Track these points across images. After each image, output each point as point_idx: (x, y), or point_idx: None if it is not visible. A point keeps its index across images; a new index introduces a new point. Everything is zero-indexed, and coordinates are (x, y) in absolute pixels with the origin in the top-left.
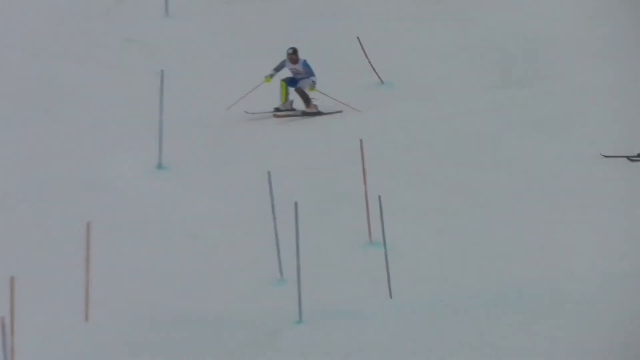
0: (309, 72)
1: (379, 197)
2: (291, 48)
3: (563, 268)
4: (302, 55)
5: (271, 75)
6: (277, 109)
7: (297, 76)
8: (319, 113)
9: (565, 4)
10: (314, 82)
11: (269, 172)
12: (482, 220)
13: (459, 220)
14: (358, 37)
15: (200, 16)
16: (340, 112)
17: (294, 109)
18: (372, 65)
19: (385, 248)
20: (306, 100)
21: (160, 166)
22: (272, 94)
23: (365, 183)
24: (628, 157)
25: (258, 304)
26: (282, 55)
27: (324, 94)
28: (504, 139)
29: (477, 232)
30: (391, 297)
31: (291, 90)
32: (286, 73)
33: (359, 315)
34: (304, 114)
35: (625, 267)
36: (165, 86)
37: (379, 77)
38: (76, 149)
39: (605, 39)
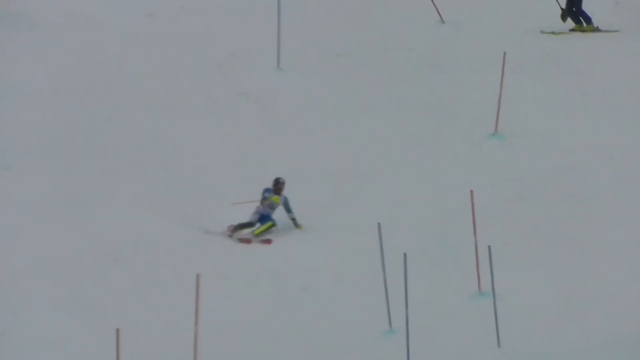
0: (286, 208)
1: (489, 247)
2: (282, 178)
3: None
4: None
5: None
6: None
7: (268, 211)
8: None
9: None
10: (294, 220)
11: (379, 224)
12: (591, 271)
13: (568, 271)
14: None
15: (312, 69)
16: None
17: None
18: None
19: (494, 297)
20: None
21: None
22: None
23: (475, 234)
24: None
25: (369, 355)
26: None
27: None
28: (619, 191)
29: (587, 283)
30: (499, 347)
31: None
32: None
33: None
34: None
35: None
36: (274, 139)
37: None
38: (190, 203)
39: None
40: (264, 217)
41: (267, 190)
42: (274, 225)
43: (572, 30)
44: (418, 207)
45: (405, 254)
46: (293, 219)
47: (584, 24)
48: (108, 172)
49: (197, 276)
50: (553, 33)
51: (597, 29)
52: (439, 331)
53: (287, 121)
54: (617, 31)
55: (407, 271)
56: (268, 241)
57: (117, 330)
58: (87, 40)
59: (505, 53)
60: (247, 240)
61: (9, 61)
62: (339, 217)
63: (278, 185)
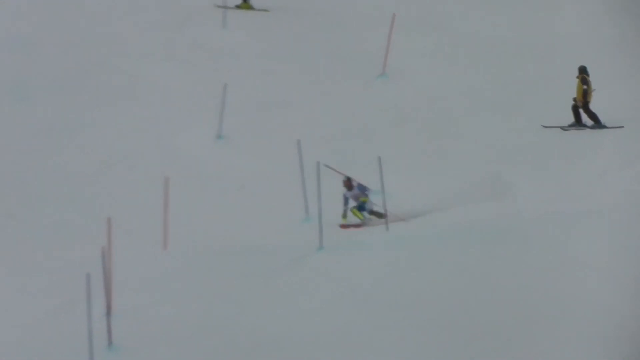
0: (365, 192)
1: (379, 157)
2: (346, 177)
3: None
4: None
5: (344, 213)
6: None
7: (357, 201)
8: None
9: None
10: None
11: (298, 141)
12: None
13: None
14: None
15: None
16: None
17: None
18: None
19: (383, 195)
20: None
21: (219, 137)
22: None
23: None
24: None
25: (290, 236)
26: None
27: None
28: (470, 116)
29: (449, 182)
30: (387, 230)
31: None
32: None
33: (363, 244)
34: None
35: None
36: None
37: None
38: (156, 127)
39: None
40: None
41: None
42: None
43: None
44: (327, 126)
45: (318, 162)
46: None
47: None
48: None
49: (166, 179)
50: None
51: None
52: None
53: (229, 67)
54: None
55: (320, 176)
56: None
57: (109, 219)
58: None
59: (394, 14)
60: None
61: None
62: (269, 136)
63: (345, 183)
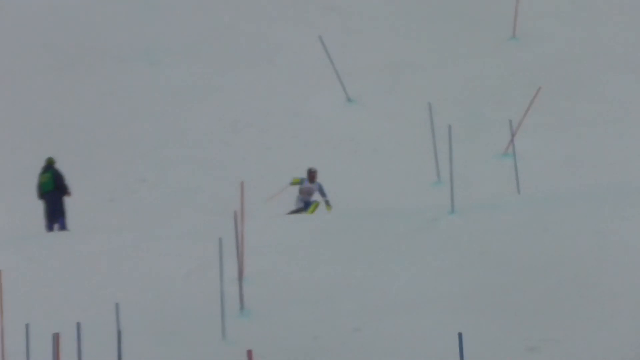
0: (320, 193)
1: (510, 121)
2: (313, 167)
3: None
4: None
5: (296, 179)
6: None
7: (306, 197)
8: None
9: None
10: (327, 202)
11: (429, 104)
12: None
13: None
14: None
15: None
16: None
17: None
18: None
19: (515, 158)
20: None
21: (350, 100)
22: None
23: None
24: None
25: (421, 199)
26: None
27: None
28: None
29: (584, 143)
30: (519, 193)
31: None
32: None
33: (495, 207)
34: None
35: None
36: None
37: None
38: (287, 90)
39: None
40: (307, 204)
41: (303, 179)
42: (318, 204)
43: None
44: (457, 89)
45: (449, 125)
46: (326, 201)
47: None
48: None
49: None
50: None
51: None
52: (475, 181)
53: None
54: None
55: (451, 138)
56: None
57: None
58: None
59: None
60: None
61: None
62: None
63: (311, 175)
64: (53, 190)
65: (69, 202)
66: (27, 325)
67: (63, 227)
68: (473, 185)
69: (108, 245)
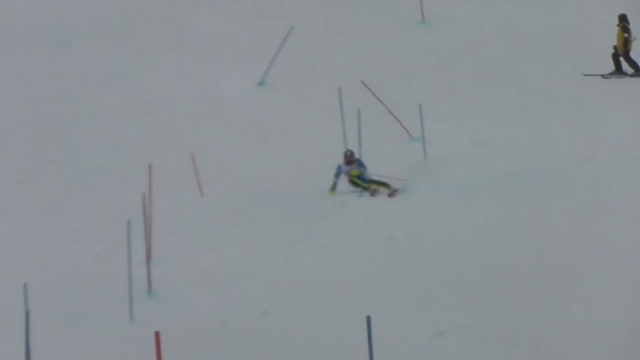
0: (361, 166)
1: (420, 105)
2: (349, 150)
3: None
4: None
5: (334, 186)
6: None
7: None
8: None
9: None
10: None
11: (339, 88)
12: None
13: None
14: None
15: None
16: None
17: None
18: None
19: (424, 142)
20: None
21: (260, 83)
22: None
23: None
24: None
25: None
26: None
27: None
28: None
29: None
30: (428, 178)
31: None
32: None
33: (404, 191)
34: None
35: None
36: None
37: None
38: (197, 73)
39: None
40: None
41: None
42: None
43: None
44: (367, 73)
45: (358, 109)
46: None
47: None
48: None
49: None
50: None
51: None
52: (384, 166)
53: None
54: None
55: (360, 122)
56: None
57: (150, 165)
58: None
59: None
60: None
61: None
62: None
63: (347, 159)
64: None
65: None
66: None
67: None
68: (382, 169)
69: (16, 226)
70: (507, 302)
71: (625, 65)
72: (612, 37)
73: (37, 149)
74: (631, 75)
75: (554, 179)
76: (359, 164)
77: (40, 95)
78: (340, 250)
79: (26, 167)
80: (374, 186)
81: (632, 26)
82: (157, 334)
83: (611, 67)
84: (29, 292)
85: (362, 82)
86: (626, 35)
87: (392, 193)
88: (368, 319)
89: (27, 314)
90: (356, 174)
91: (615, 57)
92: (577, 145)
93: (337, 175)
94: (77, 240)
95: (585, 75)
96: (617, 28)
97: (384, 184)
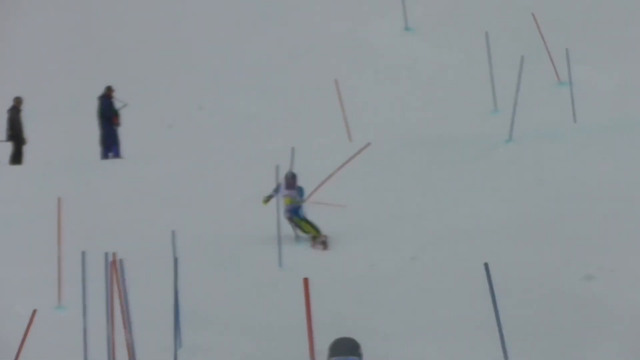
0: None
1: (567, 49)
2: (291, 172)
3: None
4: None
5: (268, 198)
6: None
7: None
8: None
9: None
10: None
11: (486, 33)
12: None
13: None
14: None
15: None
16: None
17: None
18: None
19: (571, 86)
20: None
21: (407, 28)
22: None
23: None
24: None
25: (478, 127)
26: None
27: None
28: None
29: None
30: (575, 122)
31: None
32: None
33: (552, 136)
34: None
35: None
36: None
37: None
38: (346, 17)
39: None
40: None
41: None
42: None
43: None
44: (517, 19)
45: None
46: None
47: None
48: None
49: (336, 81)
50: None
51: None
52: (532, 110)
53: None
54: None
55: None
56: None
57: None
58: None
59: None
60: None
61: None
62: (456, 27)
63: (290, 181)
64: (103, 118)
65: (126, 130)
66: (83, 253)
67: (117, 154)
68: (530, 114)
69: (165, 172)
70: None
71: None
72: None
73: (187, 94)
74: None
75: None
76: (300, 193)
77: (190, 40)
78: (488, 195)
79: (175, 112)
80: (310, 231)
81: None
82: (305, 281)
83: None
84: (177, 238)
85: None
86: None
87: (319, 243)
88: (486, 265)
89: (175, 260)
90: (289, 202)
91: None
92: None
93: (276, 192)
94: (225, 186)
95: None
96: None
97: (315, 229)
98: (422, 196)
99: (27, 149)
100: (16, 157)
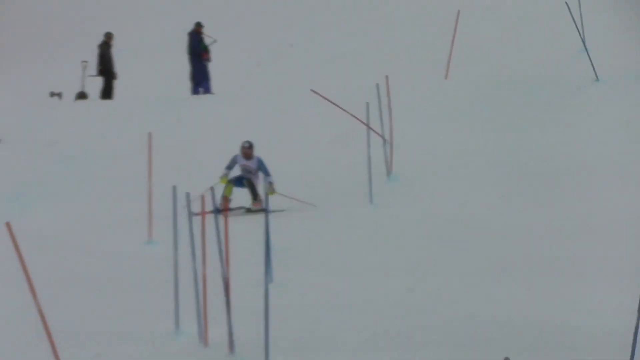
0: (263, 171)
1: None
2: (247, 142)
3: None
4: None
5: (225, 176)
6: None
7: (247, 175)
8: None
9: None
10: (271, 184)
11: None
12: None
13: None
14: None
15: None
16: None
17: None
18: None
19: None
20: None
21: None
22: None
23: None
24: None
25: (567, 67)
26: None
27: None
28: None
29: None
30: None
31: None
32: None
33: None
34: (248, 210)
35: None
36: None
37: None
38: None
39: None
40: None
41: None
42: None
43: None
44: None
45: None
46: (270, 183)
47: None
48: None
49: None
50: None
51: None
52: (620, 51)
53: None
54: None
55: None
56: (258, 204)
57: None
58: None
59: None
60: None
61: None
62: None
63: (245, 150)
64: (193, 54)
65: (216, 66)
66: (174, 188)
67: (207, 90)
68: (618, 54)
69: (253, 110)
70: None
71: None
72: None
73: (277, 32)
74: None
75: None
76: (260, 165)
77: None
78: (578, 134)
79: (265, 50)
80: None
81: None
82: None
83: None
84: None
85: None
86: None
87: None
88: None
89: (266, 198)
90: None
91: None
92: None
93: (230, 167)
94: (314, 124)
95: None
96: None
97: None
98: (514, 135)
99: (117, 85)
100: (107, 92)
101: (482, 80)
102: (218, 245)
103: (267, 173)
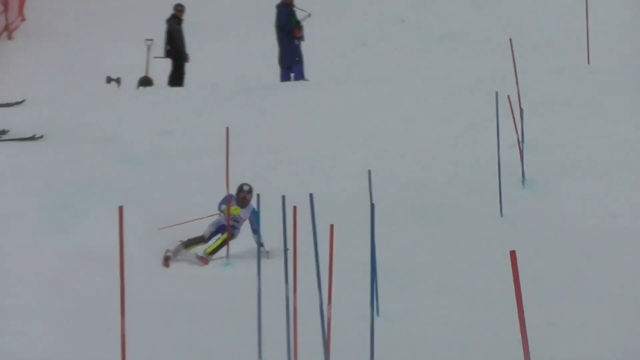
0: (253, 225)
1: None
2: (247, 185)
3: None
4: None
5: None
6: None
7: (233, 224)
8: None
9: None
10: (264, 249)
11: None
12: None
13: None
14: None
15: None
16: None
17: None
18: None
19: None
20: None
21: None
22: None
23: None
24: None
25: None
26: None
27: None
28: None
29: None
30: None
31: None
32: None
33: None
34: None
35: None
36: None
37: None
38: None
39: None
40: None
41: (223, 201)
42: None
43: None
44: None
45: None
46: (259, 244)
47: None
48: None
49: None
50: None
51: None
52: None
53: None
54: None
55: None
56: (205, 260)
57: None
58: None
59: None
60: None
61: None
62: None
63: (241, 196)
64: (282, 32)
65: (310, 47)
66: (257, 195)
67: (300, 76)
68: None
69: (357, 99)
70: None
71: None
72: None
73: (386, 5)
74: None
75: None
76: (255, 216)
77: None
78: None
79: (370, 28)
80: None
81: None
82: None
83: None
84: (373, 181)
85: None
86: None
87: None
88: None
89: (372, 207)
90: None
91: None
92: None
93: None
94: (430, 116)
95: None
96: None
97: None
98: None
99: (189, 69)
100: (176, 78)
101: (628, 66)
102: (316, 267)
103: (257, 229)
